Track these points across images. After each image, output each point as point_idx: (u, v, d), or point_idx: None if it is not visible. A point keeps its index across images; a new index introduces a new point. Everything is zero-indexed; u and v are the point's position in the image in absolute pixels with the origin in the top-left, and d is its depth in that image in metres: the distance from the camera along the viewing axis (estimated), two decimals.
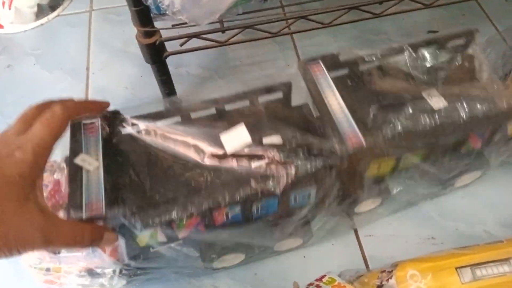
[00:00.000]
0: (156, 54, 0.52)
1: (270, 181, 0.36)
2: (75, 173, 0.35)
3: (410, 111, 0.40)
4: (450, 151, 0.46)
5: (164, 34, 0.51)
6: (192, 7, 0.44)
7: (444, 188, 0.53)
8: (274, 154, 0.37)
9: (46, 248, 0.30)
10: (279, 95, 0.42)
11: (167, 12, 0.45)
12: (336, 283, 0.40)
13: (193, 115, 0.41)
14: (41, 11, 0.75)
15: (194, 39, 0.52)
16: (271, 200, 0.39)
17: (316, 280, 0.41)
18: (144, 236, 0.38)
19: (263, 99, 0.41)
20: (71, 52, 0.71)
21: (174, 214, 0.35)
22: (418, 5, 0.55)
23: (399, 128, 0.39)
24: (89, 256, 0.40)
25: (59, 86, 0.67)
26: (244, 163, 0.37)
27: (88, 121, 0.38)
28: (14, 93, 0.66)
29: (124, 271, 0.43)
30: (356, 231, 0.53)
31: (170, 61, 0.55)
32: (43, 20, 0.75)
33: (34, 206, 0.29)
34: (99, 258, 0.40)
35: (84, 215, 0.33)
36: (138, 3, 0.45)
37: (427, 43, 0.45)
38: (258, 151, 0.37)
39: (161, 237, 0.39)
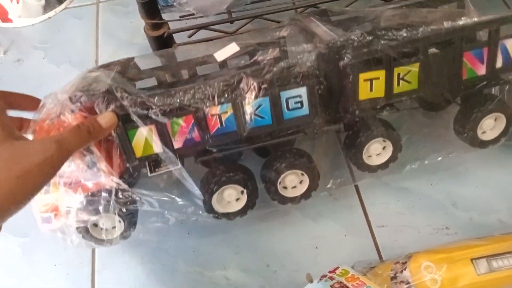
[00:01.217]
0: (164, 46, 0.51)
1: (257, 70, 0.40)
2: None
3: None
4: (450, 75, 0.45)
5: (172, 26, 0.51)
6: None
7: (467, 138, 0.50)
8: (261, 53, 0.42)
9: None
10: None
11: (174, 3, 0.44)
12: (349, 275, 0.40)
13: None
14: (48, 4, 0.75)
15: (202, 30, 0.51)
16: (262, 102, 0.41)
17: (329, 272, 0.41)
18: (140, 137, 0.40)
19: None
20: (79, 45, 0.71)
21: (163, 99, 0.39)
22: None
23: (377, 32, 0.41)
24: (88, 173, 0.41)
25: (68, 79, 0.67)
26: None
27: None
28: (24, 88, 0.66)
29: (120, 195, 0.42)
30: (368, 222, 0.52)
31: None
32: (51, 13, 0.75)
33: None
34: (96, 173, 0.41)
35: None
36: None
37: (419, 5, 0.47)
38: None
39: (157, 147, 0.41)
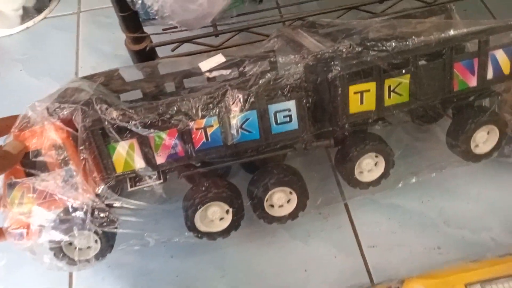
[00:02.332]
0: (146, 60, 0.49)
1: (243, 82, 0.39)
2: None
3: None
4: (441, 87, 0.44)
5: (155, 39, 0.49)
6: (183, 12, 0.42)
7: (460, 152, 0.49)
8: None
9: None
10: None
11: (156, 17, 0.42)
12: None
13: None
14: (26, 14, 0.72)
15: (186, 44, 0.50)
16: (249, 115, 0.40)
17: None
18: (121, 151, 0.39)
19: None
20: (59, 57, 0.68)
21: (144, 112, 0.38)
22: (419, 3, 0.52)
23: (367, 43, 0.41)
24: (63, 188, 0.39)
25: (48, 92, 0.64)
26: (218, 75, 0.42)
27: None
28: (1, 103, 0.63)
29: (96, 214, 0.40)
30: (359, 242, 0.51)
31: None
32: (29, 23, 0.72)
33: None
34: (72, 189, 0.39)
35: None
36: (126, 8, 0.43)
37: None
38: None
39: (139, 162, 0.40)
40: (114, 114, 0.37)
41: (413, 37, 0.41)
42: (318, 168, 0.54)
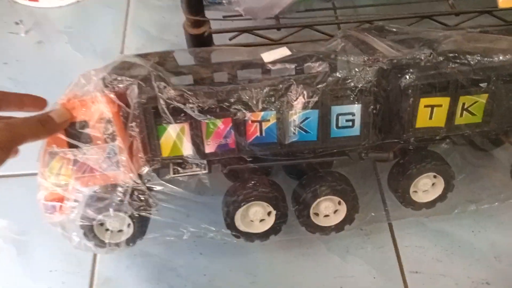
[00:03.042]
0: (202, 46, 0.47)
1: (308, 80, 0.36)
2: None
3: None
4: None
5: (214, 25, 0.47)
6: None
7: None
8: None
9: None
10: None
11: (223, 1, 0.40)
12: None
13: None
14: None
15: (245, 35, 0.47)
16: (310, 114, 0.37)
17: None
18: (171, 134, 0.37)
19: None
20: (106, 34, 0.67)
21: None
22: (496, 20, 0.49)
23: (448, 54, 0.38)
24: (105, 163, 0.37)
25: (91, 67, 0.63)
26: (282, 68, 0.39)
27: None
28: (42, 74, 0.62)
29: (135, 196, 0.39)
30: (401, 265, 0.47)
31: None
32: None
33: None
34: (114, 166, 0.37)
35: None
36: None
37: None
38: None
39: (187, 148, 0.38)
40: (172, 93, 0.35)
41: (499, 54, 0.37)
42: (364, 181, 0.51)
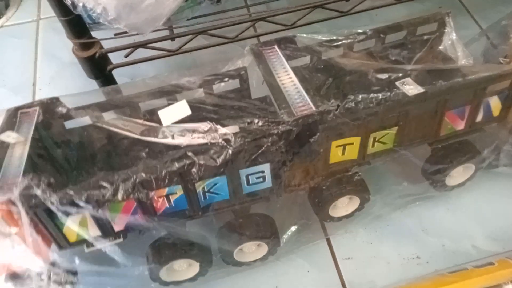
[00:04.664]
0: (97, 68, 0.46)
1: (211, 150, 0.34)
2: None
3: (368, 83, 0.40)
4: (426, 132, 0.42)
5: (107, 44, 0.46)
6: (129, 14, 0.38)
7: (434, 186, 0.48)
8: (214, 125, 0.35)
9: None
10: (236, 83, 0.40)
11: (101, 21, 0.39)
12: None
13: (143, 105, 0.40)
14: None
15: (142, 49, 0.46)
16: (218, 181, 0.36)
17: None
18: (71, 225, 0.34)
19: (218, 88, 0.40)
20: (16, 67, 0.65)
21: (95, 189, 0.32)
22: (389, 0, 0.50)
23: (355, 98, 0.36)
24: (10, 253, 0.35)
25: (2, 105, 0.60)
26: (183, 136, 0.36)
27: (25, 110, 0.38)
28: None
29: (53, 277, 0.37)
30: (333, 254, 0.47)
31: (125, 72, 0.49)
32: None
33: None
34: (22, 255, 0.35)
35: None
36: (67, 12, 0.39)
37: (395, 29, 0.43)
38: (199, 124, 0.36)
39: (93, 230, 0.35)
40: (58, 198, 0.32)
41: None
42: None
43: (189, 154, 0.33)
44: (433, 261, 0.46)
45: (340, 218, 0.46)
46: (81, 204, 0.32)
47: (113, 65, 0.47)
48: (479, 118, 0.43)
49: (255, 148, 0.34)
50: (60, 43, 0.67)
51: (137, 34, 0.44)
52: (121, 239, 0.37)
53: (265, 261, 0.45)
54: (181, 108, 0.37)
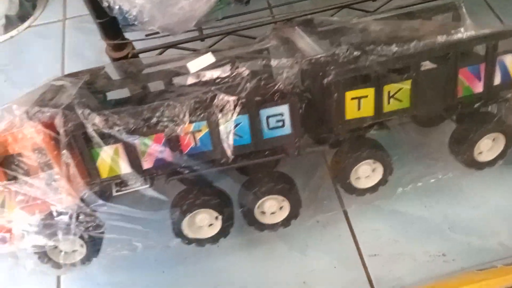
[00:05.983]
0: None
1: (232, 86, 0.37)
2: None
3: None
4: (444, 93, 0.42)
5: (139, 46, 0.47)
6: (163, 17, 0.39)
7: (464, 162, 0.47)
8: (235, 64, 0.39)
9: None
10: None
11: (135, 22, 0.40)
12: None
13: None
14: (10, 23, 0.70)
15: (172, 49, 0.47)
16: (240, 120, 0.38)
17: None
18: (105, 156, 0.37)
19: None
20: (44, 66, 0.66)
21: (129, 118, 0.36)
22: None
23: (365, 47, 0.38)
24: (46, 191, 0.37)
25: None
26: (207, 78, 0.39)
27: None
28: None
29: (81, 218, 0.39)
30: (359, 251, 0.48)
31: None
32: (13, 32, 0.70)
33: None
34: (55, 192, 0.37)
35: None
36: (103, 14, 0.41)
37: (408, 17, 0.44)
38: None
39: (124, 167, 0.38)
40: (97, 120, 0.35)
41: (416, 40, 0.38)
42: (314, 173, 0.52)
43: (212, 88, 0.37)
44: (459, 259, 0.47)
45: (363, 192, 0.46)
46: (116, 129, 0.36)
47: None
48: (497, 80, 0.43)
49: (273, 84, 0.37)
50: (86, 43, 0.68)
51: (168, 35, 0.45)
52: (148, 185, 0.39)
53: (288, 227, 0.45)
54: (207, 59, 0.40)
